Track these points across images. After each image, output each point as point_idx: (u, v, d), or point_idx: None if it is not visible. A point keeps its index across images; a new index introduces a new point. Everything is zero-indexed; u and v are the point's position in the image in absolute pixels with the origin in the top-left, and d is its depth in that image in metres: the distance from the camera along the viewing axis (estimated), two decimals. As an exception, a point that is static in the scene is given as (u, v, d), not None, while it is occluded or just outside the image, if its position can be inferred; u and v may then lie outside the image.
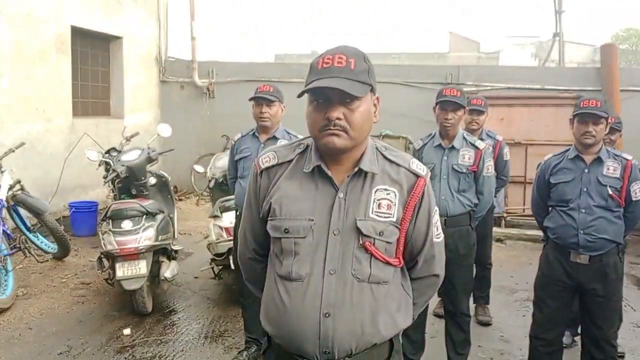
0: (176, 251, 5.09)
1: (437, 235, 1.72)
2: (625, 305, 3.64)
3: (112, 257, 4.50)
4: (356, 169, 1.61)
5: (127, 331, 4.37)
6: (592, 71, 9.33)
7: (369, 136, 1.63)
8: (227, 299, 5.14)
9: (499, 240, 7.42)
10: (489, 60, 38.61)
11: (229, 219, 4.82)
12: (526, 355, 3.73)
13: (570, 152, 3.35)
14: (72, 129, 8.08)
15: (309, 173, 1.63)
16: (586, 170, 3.26)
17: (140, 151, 5.50)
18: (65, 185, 7.21)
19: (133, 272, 4.44)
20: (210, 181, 5.71)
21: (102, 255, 4.67)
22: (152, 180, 5.62)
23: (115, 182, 5.47)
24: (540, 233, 7.46)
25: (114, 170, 5.35)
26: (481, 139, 4.11)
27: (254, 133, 3.84)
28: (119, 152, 6.53)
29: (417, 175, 1.65)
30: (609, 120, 3.29)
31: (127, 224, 4.54)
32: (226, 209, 4.95)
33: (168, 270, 4.78)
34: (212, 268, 5.24)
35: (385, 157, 1.66)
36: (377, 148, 1.65)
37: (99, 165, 6.53)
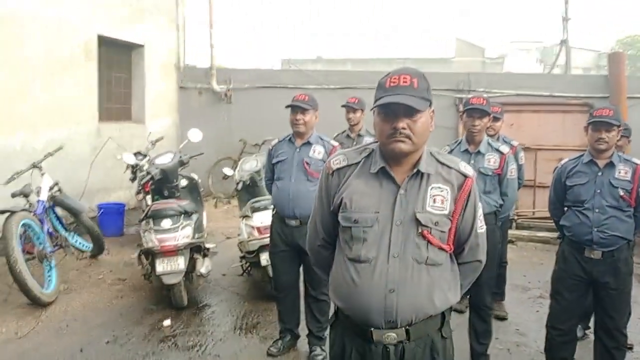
0: (208, 249, 5.39)
1: (481, 226, 2.03)
2: (633, 302, 3.91)
3: (152, 254, 4.81)
4: (415, 170, 1.92)
5: (167, 322, 4.67)
6: (600, 79, 9.62)
7: (425, 142, 1.94)
8: (256, 294, 5.44)
9: (510, 241, 7.68)
10: (493, 65, 38.86)
11: (259, 219, 5.11)
12: (541, 347, 4.03)
13: (584, 156, 3.65)
14: (97, 133, 8.41)
15: (375, 173, 1.94)
16: (599, 174, 3.55)
17: (173, 154, 5.82)
18: (90, 187, 7.51)
19: (172, 267, 4.75)
20: (238, 184, 6.02)
21: (142, 252, 4.99)
22: (184, 182, 5.95)
23: (150, 184, 5.78)
24: (550, 234, 7.80)
25: (148, 173, 5.67)
26: None
27: (289, 138, 4.13)
28: (144, 156, 6.87)
29: (466, 176, 1.97)
30: (620, 128, 3.59)
31: (166, 223, 4.85)
32: (256, 210, 5.24)
33: (203, 266, 5.09)
34: (242, 265, 5.54)
35: (438, 160, 1.97)
36: (431, 153, 1.97)
37: (127, 168, 6.87)
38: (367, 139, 5.40)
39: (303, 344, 4.30)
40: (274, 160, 4.13)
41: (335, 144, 4.17)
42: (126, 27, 8.96)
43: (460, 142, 4.06)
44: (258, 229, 5.07)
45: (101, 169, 7.97)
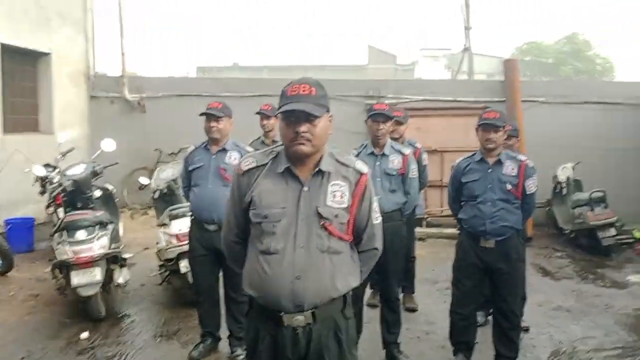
0: (125, 259, 5.37)
1: (376, 217, 2.27)
2: (531, 290, 4.30)
3: (67, 266, 4.76)
4: (317, 169, 2.13)
5: (84, 335, 4.64)
6: (497, 84, 10.31)
7: (326, 144, 2.15)
8: (176, 302, 5.48)
9: (421, 239, 8.11)
10: (405, 72, 40.33)
11: (178, 226, 5.18)
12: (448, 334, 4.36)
13: (476, 155, 4.02)
14: (2, 146, 8.10)
15: (281, 173, 2.13)
16: (489, 170, 3.93)
17: (86, 165, 5.77)
18: (-3, 202, 7.25)
19: (88, 279, 4.73)
20: (155, 192, 6.05)
21: (56, 265, 4.91)
22: (97, 193, 5.90)
23: (62, 196, 5.69)
24: (456, 231, 8.31)
25: (60, 185, 5.59)
26: None
27: (205, 145, 4.24)
28: (54, 167, 6.72)
29: (361, 173, 2.20)
30: (507, 129, 3.99)
31: (81, 234, 4.82)
32: (174, 217, 5.30)
33: (121, 277, 5.08)
34: (161, 274, 5.57)
35: (337, 160, 2.19)
36: (331, 153, 2.18)
37: (36, 181, 6.69)
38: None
39: (224, 345, 4.41)
40: (191, 167, 4.23)
41: (250, 149, 4.33)
42: (30, 35, 8.70)
43: (366, 146, 4.33)
44: (177, 236, 5.13)
45: (7, 183, 7.69)
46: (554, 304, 5.74)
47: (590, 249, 7.92)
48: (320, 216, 2.10)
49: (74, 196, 5.65)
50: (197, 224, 4.20)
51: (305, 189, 2.12)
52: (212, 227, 4.12)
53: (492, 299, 4.16)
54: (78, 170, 5.68)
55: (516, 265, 3.98)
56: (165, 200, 6.19)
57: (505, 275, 3.95)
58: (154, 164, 10.39)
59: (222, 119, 4.15)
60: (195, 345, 4.34)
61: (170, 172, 6.18)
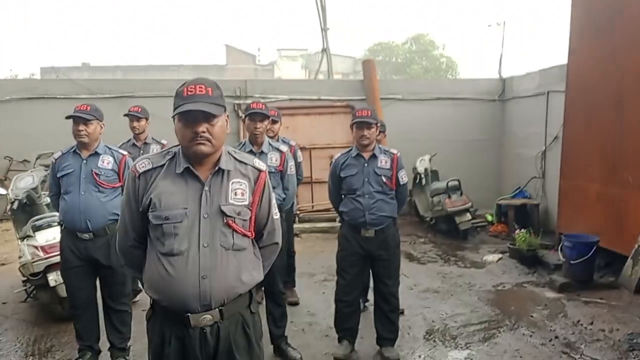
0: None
1: (275, 213, 2.32)
2: (400, 274, 4.59)
3: None
4: (217, 168, 2.13)
5: (-58, 363, 4.20)
6: (357, 83, 10.77)
7: (224, 143, 2.16)
8: (45, 318, 5.12)
9: (295, 234, 8.27)
10: (265, 72, 40.72)
11: (43, 238, 4.85)
12: (330, 323, 4.53)
13: (352, 151, 4.22)
14: None
15: (180, 173, 2.10)
16: (365, 165, 4.15)
17: None
18: None
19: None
20: (13, 203, 5.60)
21: None
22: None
23: None
24: (328, 224, 8.61)
25: None
26: None
27: (74, 150, 4.00)
28: None
29: (260, 170, 2.24)
30: (378, 125, 4.23)
31: None
32: (38, 228, 4.96)
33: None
34: (26, 290, 5.17)
35: (235, 158, 2.20)
36: (229, 152, 2.19)
37: None
38: (154, 147, 5.43)
39: (104, 358, 4.22)
40: (59, 174, 3.96)
41: (125, 152, 4.17)
42: None
43: (244, 144, 4.36)
44: (42, 248, 4.80)
45: None
46: (422, 286, 6.16)
47: (449, 233, 8.59)
48: (224, 214, 2.11)
49: None
50: (69, 233, 3.95)
51: (207, 188, 2.11)
52: (86, 236, 3.91)
53: (373, 284, 4.39)
54: None
55: (394, 251, 4.25)
56: (25, 211, 5.74)
57: (385, 262, 4.20)
58: (5, 173, 9.60)
59: (92, 122, 3.94)
60: (75, 360, 4.11)
61: (29, 180, 5.75)
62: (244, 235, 2.17)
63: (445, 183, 8.55)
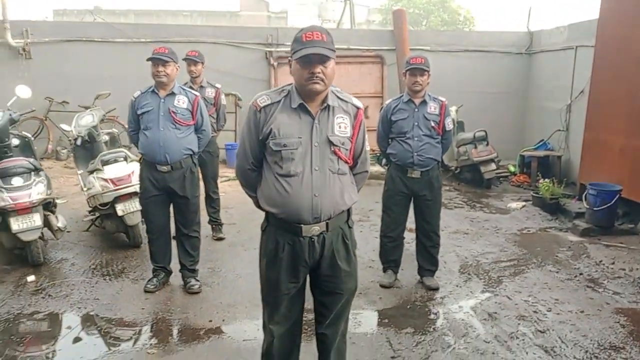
0: (55, 205, 5.38)
1: (367, 145, 2.71)
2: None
3: (4, 213, 4.73)
4: (325, 105, 2.50)
5: (31, 278, 4.69)
6: (388, 33, 10.95)
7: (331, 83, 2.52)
8: (111, 245, 5.62)
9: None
10: (278, 20, 40.38)
11: (112, 171, 5.28)
12: (371, 256, 5.01)
13: (404, 97, 4.56)
14: None
15: (295, 108, 2.48)
16: (416, 110, 4.49)
17: (2, 113, 5.59)
18: None
19: (29, 224, 4.75)
20: (76, 139, 6.01)
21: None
22: (16, 141, 5.75)
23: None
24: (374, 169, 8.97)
25: (-22, 133, 5.39)
26: None
27: (152, 90, 4.36)
28: None
29: (358, 107, 2.61)
30: (430, 73, 4.55)
31: (17, 181, 4.79)
32: (106, 163, 5.38)
33: (59, 221, 5.12)
34: (93, 219, 5.64)
35: (338, 97, 2.57)
36: (333, 91, 2.56)
37: None
38: (209, 90, 5.78)
39: (174, 280, 4.70)
40: (139, 111, 4.34)
41: (197, 93, 4.53)
42: None
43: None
44: (112, 180, 5.24)
45: None
46: (452, 228, 6.59)
47: (474, 182, 8.99)
48: (331, 143, 2.49)
49: (-9, 145, 5.48)
50: (149, 165, 4.36)
51: (316, 121, 2.49)
52: (164, 168, 4.32)
53: (416, 221, 4.80)
54: (-5, 118, 5.49)
55: (438, 192, 4.64)
56: (85, 147, 6.17)
57: (429, 202, 4.60)
58: (45, 112, 9.98)
59: (169, 64, 4.28)
60: (149, 280, 4.59)
61: (89, 118, 6.13)
62: (346, 162, 2.57)
63: (472, 134, 8.88)
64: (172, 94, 4.35)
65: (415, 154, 4.48)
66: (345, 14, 17.57)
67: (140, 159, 4.47)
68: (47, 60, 10.06)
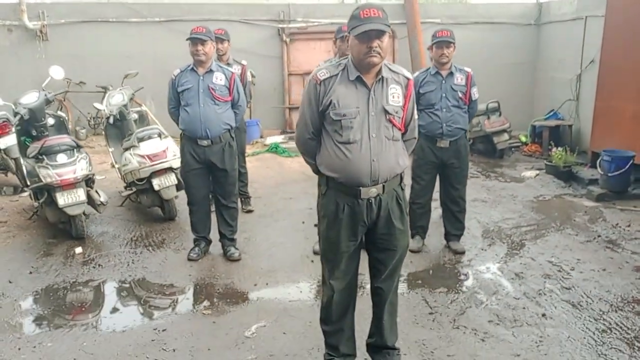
0: (94, 181, 5.60)
1: (416, 114, 2.93)
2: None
3: (50, 189, 4.97)
4: (379, 77, 2.71)
5: (78, 250, 4.96)
6: (398, 7, 11.04)
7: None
8: (147, 219, 5.86)
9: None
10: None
11: (148, 148, 5.50)
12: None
13: (431, 69, 4.75)
14: None
15: (352, 80, 2.69)
16: (443, 82, 4.69)
17: (39, 93, 5.79)
18: None
19: (74, 199, 4.99)
20: (108, 118, 6.22)
21: (35, 190, 5.10)
22: (51, 121, 5.97)
23: (15, 125, 5.71)
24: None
25: (16, 113, 5.61)
26: None
27: (192, 68, 4.55)
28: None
29: (408, 79, 2.82)
30: (455, 45, 4.73)
31: (62, 158, 5.03)
32: (141, 139, 5.59)
33: (101, 196, 5.36)
34: (129, 194, 5.88)
35: (390, 69, 2.78)
36: (385, 64, 2.76)
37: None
38: (236, 67, 5.96)
39: (214, 249, 4.96)
40: (180, 89, 4.53)
41: (234, 70, 4.73)
42: None
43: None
44: (148, 156, 5.46)
45: None
46: (470, 196, 6.76)
47: (486, 152, 9.20)
48: (386, 112, 2.71)
49: (29, 124, 5.70)
50: (190, 140, 4.57)
51: (372, 92, 2.70)
52: (205, 143, 4.54)
53: (443, 189, 5.02)
54: (32, 99, 5.70)
55: (465, 159, 4.86)
56: (116, 125, 6.38)
57: (457, 169, 4.82)
58: (64, 94, 10.15)
59: (207, 43, 4.47)
60: (192, 249, 4.84)
61: (119, 97, 6.31)
62: (399, 129, 2.79)
63: (485, 105, 9.04)
64: (210, 71, 4.54)
65: (445, 124, 4.68)
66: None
67: (181, 135, 4.66)
68: (63, 42, 10.19)
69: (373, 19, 2.58)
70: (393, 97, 2.74)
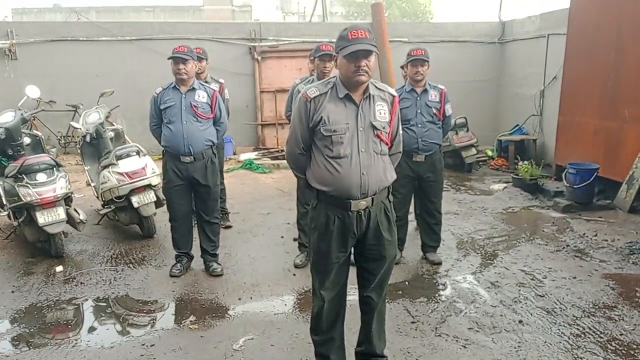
0: (71, 199, 5.59)
1: (400, 129, 3.07)
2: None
3: (30, 208, 4.95)
4: (367, 94, 2.84)
5: (59, 268, 4.93)
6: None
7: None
8: (126, 236, 5.86)
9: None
10: (242, 14, 40.42)
11: (127, 165, 5.52)
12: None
13: (406, 86, 4.93)
14: None
15: (341, 98, 2.82)
16: (418, 98, 4.87)
17: (14, 112, 5.77)
18: None
19: (54, 218, 4.97)
20: (84, 136, 6.21)
21: (14, 209, 5.06)
22: (27, 140, 5.94)
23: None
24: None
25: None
26: None
27: (174, 86, 4.63)
28: None
29: (394, 96, 2.96)
30: (429, 63, 4.92)
31: (42, 177, 5.02)
32: (120, 157, 5.61)
33: (80, 214, 5.34)
34: (108, 213, 5.87)
35: (376, 87, 2.92)
36: (370, 82, 2.90)
37: None
38: (213, 85, 6.03)
39: (195, 265, 4.99)
40: (162, 106, 4.60)
41: (215, 88, 4.82)
42: None
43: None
44: (127, 174, 5.48)
45: None
46: (443, 209, 6.93)
47: (455, 167, 9.47)
48: (374, 128, 2.84)
49: (5, 144, 5.66)
50: (173, 157, 4.62)
51: (360, 109, 2.83)
52: (187, 159, 4.60)
53: (420, 203, 5.18)
54: (8, 118, 5.67)
55: (440, 173, 5.04)
56: (92, 144, 6.38)
57: (432, 183, 4.99)
58: (33, 113, 10.04)
59: (189, 62, 4.55)
60: (174, 265, 4.88)
61: (96, 116, 6.32)
62: (386, 143, 2.92)
63: (453, 121, 9.29)
64: (193, 89, 4.63)
65: (420, 139, 4.85)
66: (322, 8, 17.88)
67: (163, 152, 4.71)
68: (32, 61, 10.13)
69: (361, 40, 2.72)
70: (380, 113, 2.87)
